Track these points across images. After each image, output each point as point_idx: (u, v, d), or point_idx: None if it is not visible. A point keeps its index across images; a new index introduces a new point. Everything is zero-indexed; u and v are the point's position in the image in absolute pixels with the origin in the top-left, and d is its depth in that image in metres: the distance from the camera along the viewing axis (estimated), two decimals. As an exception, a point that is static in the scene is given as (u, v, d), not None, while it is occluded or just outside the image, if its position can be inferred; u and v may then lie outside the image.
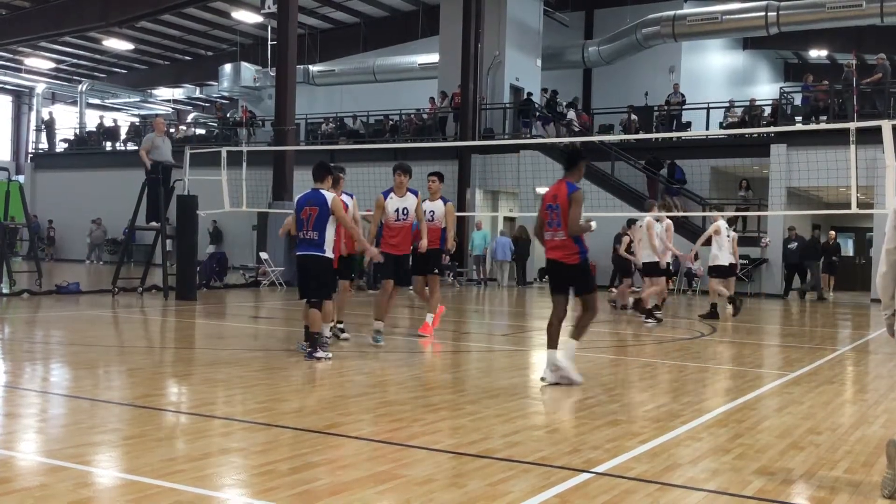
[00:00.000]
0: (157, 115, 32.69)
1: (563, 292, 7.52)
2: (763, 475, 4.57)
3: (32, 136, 41.24)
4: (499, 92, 27.87)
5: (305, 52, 33.20)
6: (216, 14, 33.98)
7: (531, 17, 29.11)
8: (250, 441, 5.08)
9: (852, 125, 11.92)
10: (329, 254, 8.54)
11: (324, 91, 36.76)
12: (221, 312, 14.46)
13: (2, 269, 16.10)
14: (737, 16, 27.43)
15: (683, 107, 26.91)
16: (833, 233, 24.18)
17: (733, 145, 24.12)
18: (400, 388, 7.17)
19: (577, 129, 27.04)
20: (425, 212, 10.48)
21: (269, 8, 26.77)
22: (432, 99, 28.92)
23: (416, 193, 9.97)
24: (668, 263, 14.10)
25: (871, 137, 12.28)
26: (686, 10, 28.82)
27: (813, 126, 21.35)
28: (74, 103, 41.88)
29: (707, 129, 25.65)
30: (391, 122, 29.83)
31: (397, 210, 9.79)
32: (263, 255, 20.86)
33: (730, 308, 14.46)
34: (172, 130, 35.43)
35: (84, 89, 41.37)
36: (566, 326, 7.58)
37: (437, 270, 10.72)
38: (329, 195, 8.54)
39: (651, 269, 13.42)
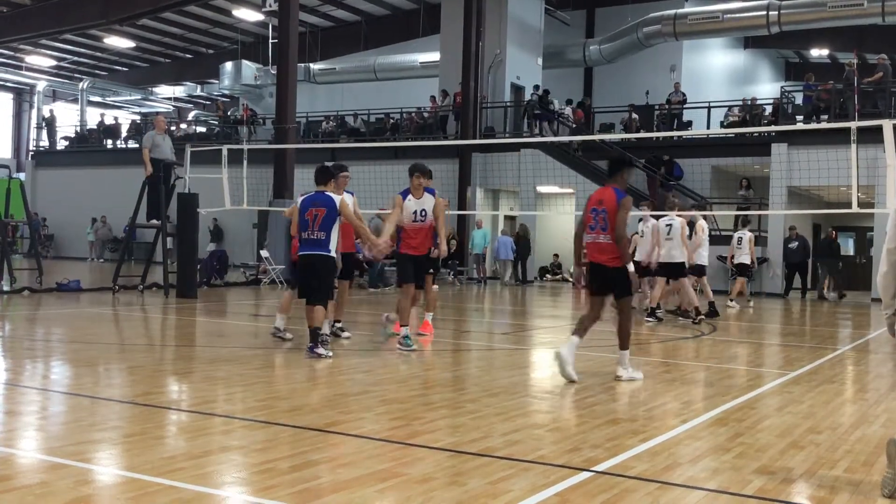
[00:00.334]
0: (157, 113, 32.72)
1: (601, 294, 7.69)
2: (763, 474, 4.57)
3: (33, 134, 41.23)
4: (500, 91, 27.86)
5: (306, 51, 33.21)
6: (217, 12, 33.97)
7: (532, 16, 29.10)
8: (250, 439, 5.08)
9: (853, 124, 11.89)
10: (334, 254, 8.67)
11: (325, 89, 36.76)
12: (222, 310, 14.46)
13: (3, 266, 16.12)
14: (738, 15, 27.42)
15: (684, 106, 26.90)
16: (833, 232, 24.17)
17: (734, 144, 24.11)
18: (400, 386, 7.17)
19: (573, 126, 27.02)
20: (415, 211, 10.03)
21: (270, 6, 26.78)
22: (433, 97, 28.91)
23: (433, 193, 9.65)
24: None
25: (871, 137, 12.26)
26: (687, 9, 28.80)
27: (814, 125, 21.35)
28: (75, 101, 41.90)
29: (708, 128, 25.65)
30: (392, 121, 29.83)
31: (415, 212, 9.47)
32: (264, 253, 20.86)
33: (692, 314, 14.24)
34: (173, 128, 35.45)
35: (85, 87, 41.38)
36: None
37: (431, 270, 10.62)
38: (336, 197, 8.69)
39: (677, 270, 13.28)
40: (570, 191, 25.73)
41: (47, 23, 30.98)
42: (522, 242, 25.32)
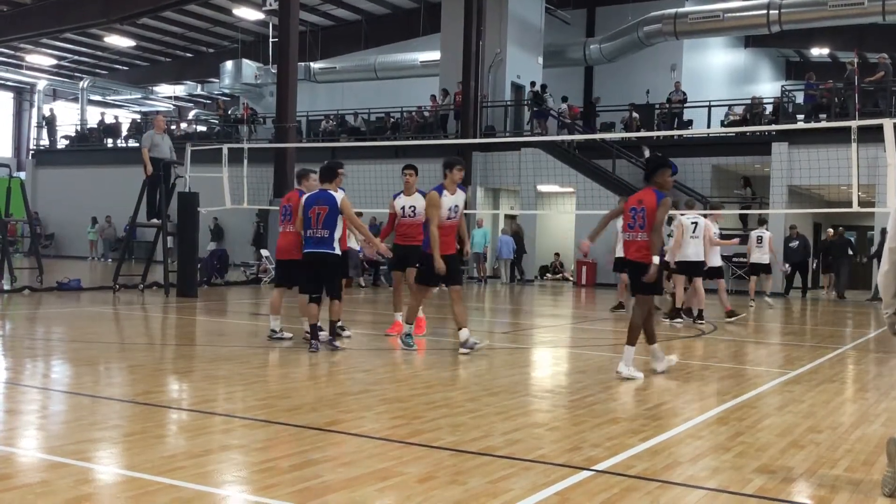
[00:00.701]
0: (157, 113, 32.70)
1: (643, 291, 7.93)
2: (763, 473, 4.57)
3: (34, 133, 41.24)
4: (500, 89, 27.85)
5: (307, 50, 33.20)
6: (217, 11, 33.98)
7: (533, 15, 29.09)
8: (251, 438, 5.08)
9: (854, 123, 11.89)
10: (338, 251, 8.82)
11: (325, 88, 36.76)
12: (222, 309, 14.47)
13: (3, 265, 16.12)
14: (738, 14, 27.41)
15: (685, 105, 26.89)
16: (831, 231, 24.15)
17: (735, 143, 24.09)
18: (400, 385, 7.18)
19: (568, 122, 27.00)
20: (404, 207, 10.13)
21: (270, 5, 26.80)
22: (433, 97, 28.90)
23: (464, 189, 9.49)
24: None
25: (872, 136, 12.27)
26: (687, 8, 28.80)
27: (814, 124, 21.35)
28: (76, 100, 41.90)
29: (708, 127, 25.64)
30: (392, 120, 29.82)
31: (450, 208, 9.10)
32: (264, 252, 20.87)
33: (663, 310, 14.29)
34: (174, 127, 35.45)
35: (85, 86, 41.38)
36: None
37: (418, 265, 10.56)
38: (338, 195, 8.79)
39: (695, 269, 13.18)
40: (571, 190, 25.73)
41: (48, 22, 30.97)
42: (518, 241, 25.37)
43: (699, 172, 24.04)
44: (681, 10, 28.47)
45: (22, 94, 47.16)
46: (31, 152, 39.19)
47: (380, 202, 20.30)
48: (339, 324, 10.11)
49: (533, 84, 27.38)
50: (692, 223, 13.00)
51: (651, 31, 28.55)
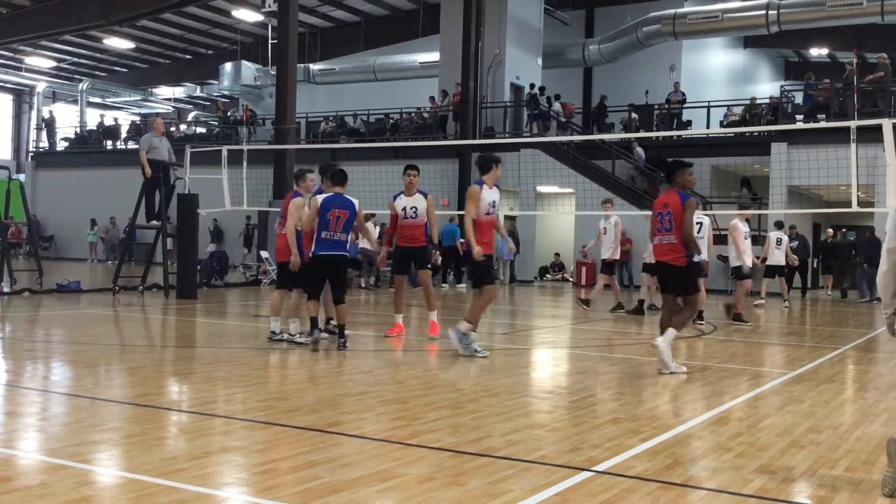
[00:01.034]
0: (156, 115, 32.66)
1: (671, 291, 8.22)
2: (764, 474, 4.57)
3: (33, 135, 41.25)
4: (499, 90, 27.86)
5: (306, 51, 33.22)
6: (217, 13, 33.99)
7: (532, 16, 29.10)
8: (251, 439, 5.08)
9: (853, 123, 11.89)
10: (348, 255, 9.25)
11: (324, 90, 36.76)
12: (222, 311, 14.46)
13: (3, 267, 16.12)
14: (737, 14, 27.43)
15: (684, 105, 26.90)
16: (830, 231, 24.16)
17: (734, 144, 24.10)
18: (401, 386, 7.18)
19: (562, 120, 27.00)
20: (405, 208, 10.08)
21: (269, 6, 26.81)
22: (432, 98, 28.90)
23: (497, 186, 9.26)
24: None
25: (871, 136, 12.26)
26: (686, 9, 28.82)
27: (814, 125, 21.34)
28: (75, 102, 41.90)
29: (708, 127, 25.65)
30: (392, 121, 29.83)
31: (490, 203, 8.77)
32: (264, 254, 20.86)
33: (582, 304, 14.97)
34: (173, 129, 35.45)
35: (85, 88, 41.38)
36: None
37: (429, 266, 10.58)
38: (355, 201, 9.04)
39: (739, 273, 13.15)
40: (571, 190, 25.73)
41: (47, 24, 30.96)
42: (514, 241, 25.38)
43: (698, 173, 23.76)
44: (680, 10, 28.49)
45: (21, 96, 47.16)
46: (31, 154, 39.20)
47: (379, 203, 20.28)
48: (334, 323, 10.06)
49: (532, 86, 27.38)
50: (697, 223, 12.97)
51: (650, 32, 28.56)
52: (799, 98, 24.68)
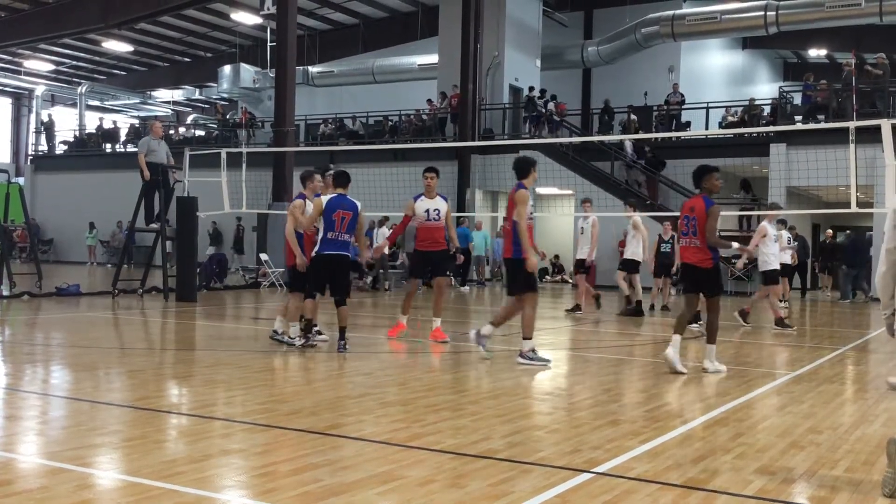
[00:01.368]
0: (155, 118, 32.65)
1: (693, 292, 8.63)
2: (764, 474, 4.58)
3: (32, 139, 41.22)
4: (498, 92, 27.87)
5: (305, 54, 33.21)
6: (215, 15, 33.98)
7: (530, 18, 29.11)
8: (251, 442, 5.08)
9: (852, 124, 11.90)
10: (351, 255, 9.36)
11: (323, 92, 36.77)
12: (222, 314, 14.46)
13: (2, 271, 16.11)
14: (736, 15, 27.43)
15: (683, 106, 26.91)
16: (830, 231, 24.18)
17: (733, 145, 24.12)
18: (401, 388, 7.17)
19: (557, 119, 27.01)
20: (428, 210, 10.05)
21: (268, 9, 26.78)
22: (430, 101, 28.92)
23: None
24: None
25: (870, 136, 12.27)
26: (685, 10, 28.82)
27: (812, 125, 21.36)
28: (74, 105, 41.89)
29: (706, 128, 25.67)
30: (391, 123, 29.83)
31: (531, 206, 8.84)
32: (263, 257, 20.87)
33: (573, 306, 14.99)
34: (172, 132, 35.45)
35: (83, 91, 41.37)
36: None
37: (449, 273, 10.51)
38: (359, 203, 9.14)
39: (768, 277, 13.07)
40: (570, 192, 25.73)
41: (46, 27, 30.99)
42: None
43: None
44: (678, 11, 28.49)
45: (20, 100, 47.15)
46: (30, 158, 39.19)
47: (379, 205, 20.33)
48: (317, 328, 10.05)
49: (531, 89, 27.38)
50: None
51: (649, 33, 28.56)
52: (798, 99, 24.70)
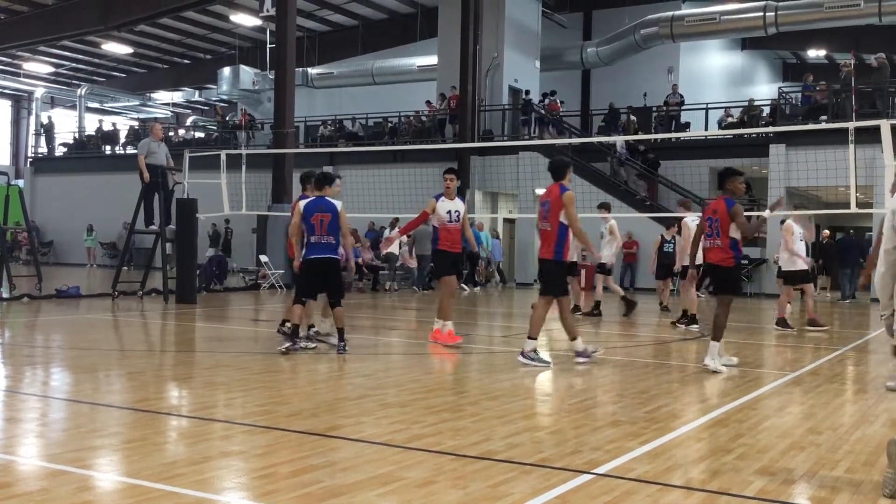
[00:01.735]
0: (155, 120, 32.65)
1: (723, 292, 8.69)
2: (764, 475, 4.58)
3: (32, 141, 41.25)
4: (497, 93, 27.88)
5: (304, 55, 33.21)
6: (215, 17, 34.00)
7: (530, 19, 29.12)
8: (251, 444, 5.08)
9: (851, 125, 11.90)
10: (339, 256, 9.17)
11: (323, 94, 36.78)
12: (221, 316, 14.46)
13: (2, 273, 16.11)
14: (735, 16, 27.45)
15: (682, 107, 26.93)
16: (827, 232, 24.17)
17: (732, 145, 24.13)
18: (401, 390, 7.17)
19: (550, 119, 27.02)
20: (450, 212, 9.98)
21: (267, 11, 26.77)
22: (429, 102, 28.93)
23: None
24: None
25: (870, 137, 12.28)
26: (684, 11, 28.84)
27: (812, 126, 21.36)
28: (73, 107, 41.90)
29: (706, 129, 25.68)
30: (390, 125, 29.85)
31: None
32: (263, 258, 20.87)
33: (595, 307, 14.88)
34: (171, 134, 35.45)
35: (83, 93, 41.38)
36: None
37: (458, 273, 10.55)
38: (338, 203, 9.01)
39: (797, 277, 13.00)
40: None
41: (45, 29, 31.00)
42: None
43: (697, 175, 24.05)
44: (677, 12, 28.51)
45: (20, 102, 47.17)
46: (30, 160, 39.20)
47: (379, 206, 20.34)
48: (314, 329, 10.05)
49: (527, 92, 27.40)
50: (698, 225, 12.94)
51: (648, 34, 28.58)
52: (797, 99, 24.71)
